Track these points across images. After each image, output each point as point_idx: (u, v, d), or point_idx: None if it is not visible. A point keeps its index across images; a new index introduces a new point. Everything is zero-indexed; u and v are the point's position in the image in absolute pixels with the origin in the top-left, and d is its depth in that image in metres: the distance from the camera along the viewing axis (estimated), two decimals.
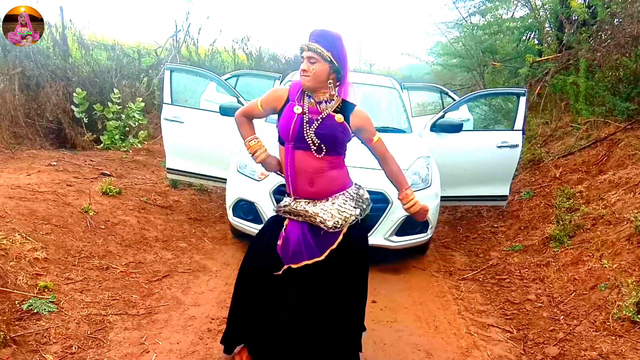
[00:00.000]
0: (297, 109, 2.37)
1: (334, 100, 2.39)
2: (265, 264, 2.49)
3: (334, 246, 2.42)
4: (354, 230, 2.47)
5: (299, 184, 2.43)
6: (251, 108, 2.56)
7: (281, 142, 2.46)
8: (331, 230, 2.40)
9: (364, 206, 2.50)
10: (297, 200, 2.46)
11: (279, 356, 2.46)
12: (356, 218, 2.45)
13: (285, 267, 2.43)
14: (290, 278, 2.44)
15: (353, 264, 2.50)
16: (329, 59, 2.28)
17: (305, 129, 2.33)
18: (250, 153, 2.57)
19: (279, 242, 2.46)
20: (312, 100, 2.38)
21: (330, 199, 2.42)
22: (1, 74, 6.91)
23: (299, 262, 2.41)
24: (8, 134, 6.74)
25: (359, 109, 2.44)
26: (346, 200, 2.44)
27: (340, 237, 2.43)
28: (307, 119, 2.35)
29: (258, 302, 2.51)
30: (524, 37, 10.30)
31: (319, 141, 2.33)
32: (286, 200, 2.52)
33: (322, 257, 2.41)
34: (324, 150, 2.36)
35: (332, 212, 2.40)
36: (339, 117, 2.36)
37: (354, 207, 2.44)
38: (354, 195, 2.47)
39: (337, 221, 2.40)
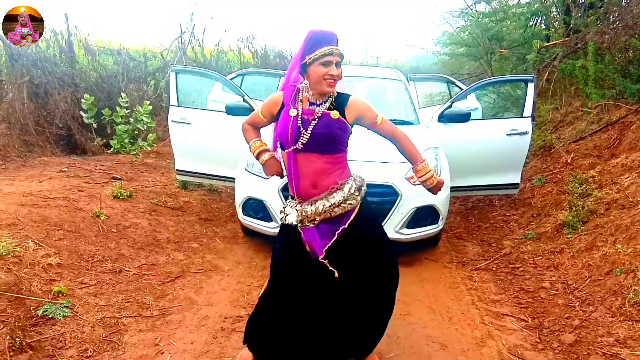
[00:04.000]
0: (292, 112, 2.35)
1: (330, 97, 2.38)
2: (295, 268, 2.49)
3: (346, 225, 2.40)
4: (362, 215, 2.45)
5: (302, 187, 2.41)
6: (254, 118, 2.57)
7: (282, 147, 2.43)
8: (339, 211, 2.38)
9: (363, 192, 2.48)
10: (301, 204, 2.43)
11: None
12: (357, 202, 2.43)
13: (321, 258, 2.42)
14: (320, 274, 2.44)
15: (369, 245, 2.50)
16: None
17: (302, 131, 2.31)
18: (253, 154, 2.57)
19: (308, 249, 2.44)
20: (312, 106, 2.36)
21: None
22: (10, 83, 6.98)
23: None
24: (19, 142, 6.81)
25: (353, 99, 2.41)
26: (349, 187, 2.41)
27: (353, 216, 2.42)
28: (301, 121, 2.32)
29: (290, 310, 2.50)
30: (531, 23, 10.17)
31: (318, 141, 2.31)
32: (290, 210, 2.49)
33: (335, 237, 2.40)
34: (324, 149, 2.34)
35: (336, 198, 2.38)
36: (334, 114, 2.33)
37: (357, 191, 2.43)
38: (358, 181, 2.46)
39: (343, 197, 2.37)
